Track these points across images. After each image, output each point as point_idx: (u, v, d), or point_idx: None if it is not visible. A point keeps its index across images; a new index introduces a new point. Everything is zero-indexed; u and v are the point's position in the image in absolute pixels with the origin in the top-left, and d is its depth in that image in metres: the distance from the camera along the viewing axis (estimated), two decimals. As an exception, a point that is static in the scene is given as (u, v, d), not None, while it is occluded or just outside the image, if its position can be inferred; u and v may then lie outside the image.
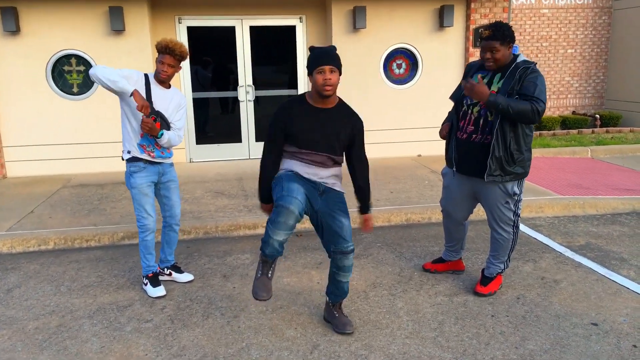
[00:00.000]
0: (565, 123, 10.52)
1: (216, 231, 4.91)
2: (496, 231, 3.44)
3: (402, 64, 7.91)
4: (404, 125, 7.96)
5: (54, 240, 4.64)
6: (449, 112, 3.56)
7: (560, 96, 11.35)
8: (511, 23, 10.66)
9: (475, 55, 7.78)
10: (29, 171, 7.19)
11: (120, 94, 3.27)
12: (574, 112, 11.45)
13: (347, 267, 2.93)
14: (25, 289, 3.77)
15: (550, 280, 3.73)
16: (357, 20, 7.40)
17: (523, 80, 3.08)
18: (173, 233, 3.79)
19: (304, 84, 8.08)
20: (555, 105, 11.37)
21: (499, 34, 3.11)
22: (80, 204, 5.71)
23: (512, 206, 3.34)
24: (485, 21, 7.75)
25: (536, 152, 8.23)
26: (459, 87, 3.43)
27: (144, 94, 3.37)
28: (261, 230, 4.93)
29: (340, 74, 2.81)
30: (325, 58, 2.76)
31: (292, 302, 3.47)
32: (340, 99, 2.98)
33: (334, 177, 3.00)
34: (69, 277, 3.97)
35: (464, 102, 3.33)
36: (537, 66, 10.73)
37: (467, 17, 7.77)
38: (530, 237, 4.66)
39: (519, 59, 3.18)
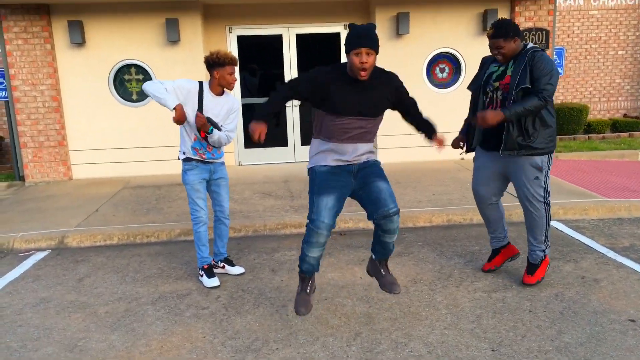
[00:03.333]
0: (616, 126, 10.29)
1: (264, 229, 5.20)
2: (527, 209, 3.61)
3: (445, 68, 8.02)
4: (447, 129, 8.04)
5: (118, 235, 5.05)
6: (465, 121, 3.88)
7: (611, 99, 11.09)
8: (558, 25, 10.55)
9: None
10: (92, 173, 7.74)
11: (168, 108, 3.65)
12: (625, 115, 11.16)
13: (392, 230, 2.96)
14: (95, 279, 4.16)
15: (590, 280, 3.79)
16: (400, 26, 7.57)
17: (532, 64, 3.34)
18: (223, 226, 4.09)
19: (348, 89, 8.30)
20: (606, 108, 11.12)
21: (501, 31, 3.38)
22: (139, 203, 6.14)
23: (542, 182, 3.53)
24: (530, 24, 7.76)
25: (583, 155, 8.13)
26: (477, 77, 3.72)
27: (196, 102, 3.71)
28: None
29: (377, 54, 2.77)
30: (363, 39, 2.70)
31: (336, 295, 3.69)
32: (377, 68, 2.95)
33: (369, 153, 3.06)
34: (132, 269, 4.34)
35: (488, 89, 3.59)
36: (584, 67, 10.56)
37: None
38: (572, 239, 4.69)
39: (528, 46, 3.45)
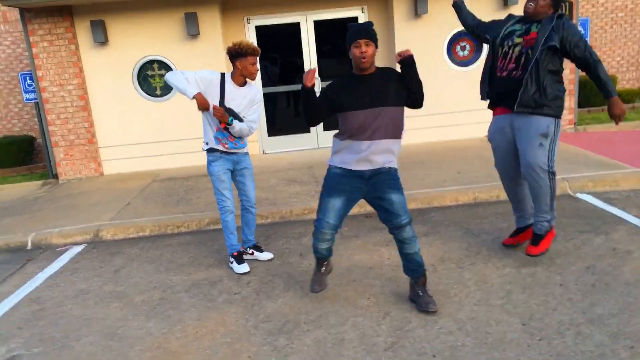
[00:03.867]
0: (647, 95, 9.97)
1: (291, 215, 5.26)
2: (531, 176, 3.54)
3: (466, 46, 7.89)
4: (470, 107, 7.95)
5: (150, 227, 5.19)
6: (481, 82, 3.81)
7: (640, 67, 10.74)
8: (582, -6, 10.23)
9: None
10: (121, 168, 7.94)
11: (188, 97, 3.71)
12: (656, 83, 10.79)
13: (408, 239, 3.09)
14: (130, 269, 4.30)
15: (622, 251, 3.73)
16: (418, 6, 7.47)
17: (563, 29, 3.35)
18: (250, 215, 4.16)
19: (368, 73, 8.26)
20: (635, 77, 10.77)
21: None
22: (169, 195, 6.28)
23: (546, 150, 3.47)
24: (552, -5, 7.55)
25: (612, 127, 7.92)
26: (498, 26, 3.68)
27: (218, 93, 3.76)
28: (333, 213, 5.22)
29: (376, 47, 3.00)
30: (361, 32, 2.96)
31: (364, 276, 3.73)
32: (377, 67, 3.11)
33: (388, 153, 3.07)
34: (165, 259, 4.46)
35: (505, 43, 3.57)
36: (610, 37, 10.25)
37: (533, -7, 7.59)
38: (603, 210, 4.61)
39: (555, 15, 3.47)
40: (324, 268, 3.38)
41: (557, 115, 3.49)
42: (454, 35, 7.82)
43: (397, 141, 3.10)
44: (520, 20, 3.63)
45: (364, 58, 2.95)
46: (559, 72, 3.48)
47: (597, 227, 4.24)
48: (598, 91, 3.58)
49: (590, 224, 4.31)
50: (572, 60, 3.45)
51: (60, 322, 3.47)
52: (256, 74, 3.80)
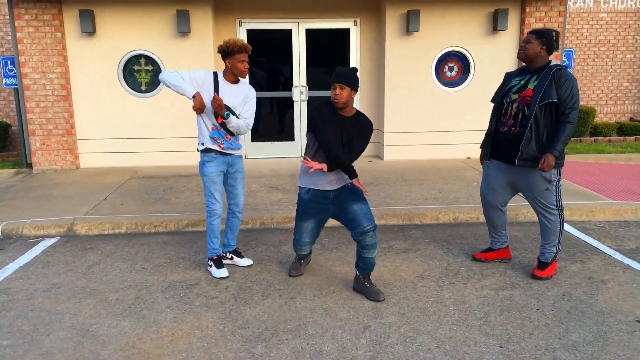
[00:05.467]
0: (622, 129, 10.29)
1: (272, 222, 5.22)
2: (543, 215, 3.76)
3: (454, 67, 8.02)
4: (455, 128, 8.06)
5: (126, 224, 5.08)
6: (485, 135, 3.97)
7: (618, 102, 11.09)
8: (567, 27, 10.54)
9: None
10: (99, 162, 7.77)
11: (186, 96, 3.69)
12: (631, 119, 11.15)
13: (370, 245, 3.42)
14: (104, 266, 4.19)
15: (597, 280, 3.81)
16: (410, 23, 7.57)
17: (558, 83, 3.50)
18: (236, 220, 4.12)
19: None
20: (612, 111, 11.11)
21: (537, 30, 3.64)
22: (147, 193, 6.17)
23: (553, 192, 3.66)
24: (540, 25, 7.76)
25: (589, 158, 8.14)
26: (500, 90, 3.86)
27: (212, 91, 3.73)
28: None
29: (353, 90, 3.40)
30: (336, 77, 3.38)
31: (344, 288, 3.72)
32: (357, 111, 3.54)
33: (340, 176, 3.59)
34: (141, 257, 4.37)
35: (505, 100, 3.76)
36: (591, 70, 10.55)
37: (522, 21, 7.79)
38: (579, 240, 4.71)
39: (552, 63, 3.64)
40: (302, 260, 4.00)
41: (558, 165, 3.62)
42: (443, 55, 7.95)
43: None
44: (521, 71, 3.79)
45: (336, 100, 3.39)
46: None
47: (572, 255, 4.32)
48: (577, 122, 3.81)
49: (567, 252, 4.39)
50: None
51: (30, 315, 3.35)
52: (246, 71, 3.78)
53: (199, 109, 3.67)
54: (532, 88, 3.59)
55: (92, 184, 6.66)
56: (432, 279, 3.88)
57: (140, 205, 5.65)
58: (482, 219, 5.26)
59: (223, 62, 3.80)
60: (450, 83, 8.06)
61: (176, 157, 7.79)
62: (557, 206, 3.71)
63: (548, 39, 3.58)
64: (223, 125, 3.77)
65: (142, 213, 5.36)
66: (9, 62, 7.62)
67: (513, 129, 3.70)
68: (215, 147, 3.81)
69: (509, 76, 3.87)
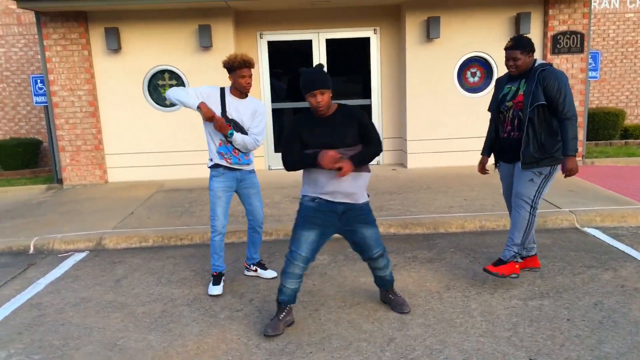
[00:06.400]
0: (654, 131, 10.00)
1: (296, 233, 5.22)
2: (515, 203, 3.76)
3: (476, 72, 7.94)
4: (479, 134, 7.96)
5: (153, 238, 5.16)
6: (485, 142, 4.06)
7: (648, 102, 10.78)
8: (593, 28, 10.34)
9: (553, 62, 7.66)
10: (126, 177, 7.93)
11: (192, 109, 3.72)
12: (663, 119, 10.83)
13: (381, 268, 3.39)
14: (132, 280, 4.26)
15: (631, 289, 3.69)
16: (430, 30, 7.54)
17: (544, 83, 3.51)
18: (256, 235, 4.11)
19: (377, 94, 8.31)
20: (643, 112, 10.81)
21: (519, 44, 3.58)
22: (173, 206, 6.26)
23: (535, 185, 3.66)
24: (564, 27, 7.63)
25: (620, 161, 7.93)
26: (495, 98, 3.90)
27: (218, 105, 3.75)
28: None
29: (331, 90, 3.08)
30: (314, 83, 3.02)
31: (369, 300, 3.69)
32: (339, 105, 3.21)
33: (356, 185, 3.16)
34: (167, 271, 4.43)
35: (501, 108, 3.82)
36: (620, 71, 10.30)
37: (545, 24, 7.67)
38: (610, 246, 4.58)
39: (536, 64, 3.64)
40: (282, 314, 3.27)
41: (556, 159, 3.66)
42: (465, 61, 7.87)
43: (361, 175, 3.19)
44: (509, 79, 3.82)
45: (320, 107, 3.08)
46: (553, 122, 3.63)
47: (604, 263, 4.20)
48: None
49: (598, 259, 4.27)
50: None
51: (61, 330, 3.42)
52: (248, 87, 3.73)
53: (209, 117, 3.66)
54: (522, 93, 3.64)
55: (119, 198, 6.79)
56: (459, 289, 3.82)
57: (166, 219, 5.73)
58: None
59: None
60: (473, 89, 7.97)
61: (201, 170, 7.88)
62: (531, 201, 3.68)
63: (529, 45, 3.58)
64: (230, 142, 3.76)
65: (168, 226, 5.44)
66: (38, 81, 7.86)
67: (512, 133, 3.76)
68: (222, 162, 3.80)
69: (499, 83, 3.91)
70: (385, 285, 3.53)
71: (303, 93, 3.10)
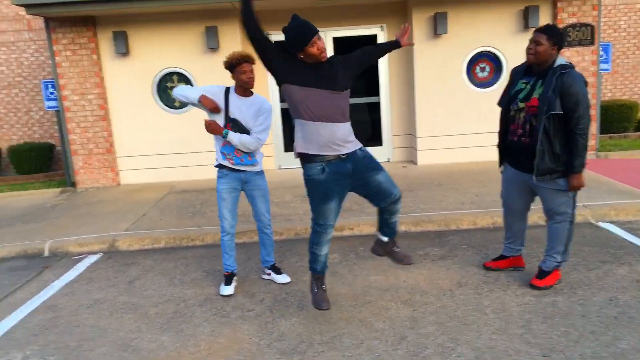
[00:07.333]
0: (669, 123, 9.85)
1: (305, 232, 5.22)
2: (553, 219, 3.59)
3: (485, 67, 7.87)
4: (489, 129, 7.89)
5: (165, 239, 5.19)
6: (499, 138, 3.80)
7: (662, 94, 10.62)
8: (604, 20, 10.20)
9: (563, 54, 7.57)
10: (138, 179, 7.99)
11: (197, 105, 3.72)
12: (678, 111, 10.65)
13: (398, 210, 3.29)
14: (145, 281, 4.29)
15: (646, 283, 3.64)
16: (438, 26, 7.49)
17: (562, 89, 3.27)
18: (265, 235, 4.09)
19: (386, 91, 8.28)
20: (657, 103, 10.64)
21: (549, 30, 3.35)
22: (184, 207, 6.30)
23: (570, 201, 3.50)
24: (573, 20, 7.54)
25: (636, 154, 7.83)
26: (506, 93, 3.66)
27: (222, 104, 3.74)
28: (347, 232, 5.19)
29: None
30: (312, 29, 2.93)
31: (380, 298, 3.68)
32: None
33: (351, 135, 3.16)
34: (179, 272, 4.45)
35: (512, 107, 3.57)
36: (632, 62, 10.14)
37: (554, 17, 7.59)
38: (626, 241, 4.52)
39: (557, 63, 3.37)
40: (324, 286, 3.41)
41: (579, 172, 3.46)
42: (474, 56, 7.81)
43: (349, 125, 3.14)
44: (526, 71, 3.57)
45: (324, 53, 2.99)
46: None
47: (619, 258, 4.15)
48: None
49: (613, 254, 4.22)
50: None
51: (75, 331, 3.46)
52: (250, 82, 3.71)
53: (212, 107, 3.67)
54: (537, 97, 3.37)
55: (132, 200, 6.85)
56: (471, 286, 3.79)
57: (178, 220, 5.77)
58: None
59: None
60: (483, 84, 7.91)
61: (211, 170, 7.87)
62: (570, 216, 3.53)
63: (559, 37, 3.34)
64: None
65: (180, 227, 5.47)
66: (49, 86, 7.94)
67: (523, 139, 3.52)
68: (225, 162, 3.80)
69: (515, 74, 3.64)
70: (393, 233, 3.42)
71: (299, 48, 2.95)
